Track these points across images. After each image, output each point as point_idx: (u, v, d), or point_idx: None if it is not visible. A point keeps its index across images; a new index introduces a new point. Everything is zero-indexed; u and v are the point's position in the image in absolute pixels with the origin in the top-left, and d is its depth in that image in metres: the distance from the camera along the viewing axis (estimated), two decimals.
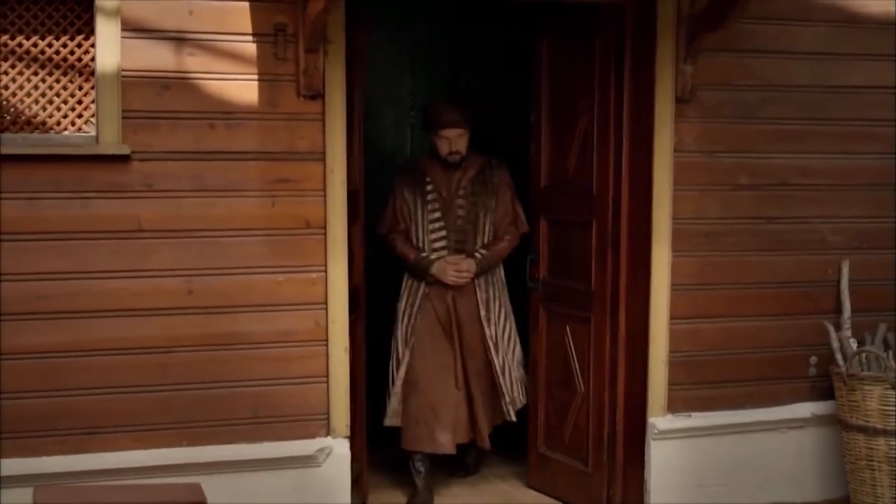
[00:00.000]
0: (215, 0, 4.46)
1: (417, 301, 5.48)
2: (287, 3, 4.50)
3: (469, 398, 5.47)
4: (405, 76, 6.58)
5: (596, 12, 5.17)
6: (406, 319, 5.50)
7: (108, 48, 4.36)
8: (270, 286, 4.59)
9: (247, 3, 4.47)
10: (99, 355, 4.43)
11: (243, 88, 4.52)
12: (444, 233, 5.47)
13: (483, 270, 5.48)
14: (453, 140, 5.42)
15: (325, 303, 4.66)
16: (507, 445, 5.85)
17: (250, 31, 4.50)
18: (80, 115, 4.46)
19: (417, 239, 5.48)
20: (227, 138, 4.51)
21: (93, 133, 4.42)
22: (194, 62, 4.45)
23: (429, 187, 5.48)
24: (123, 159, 4.40)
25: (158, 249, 4.47)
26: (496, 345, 5.50)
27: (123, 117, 4.39)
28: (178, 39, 4.44)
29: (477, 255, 5.47)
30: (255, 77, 4.52)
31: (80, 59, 4.44)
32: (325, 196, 4.62)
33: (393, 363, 5.51)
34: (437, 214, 5.46)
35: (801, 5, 5.17)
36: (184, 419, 4.54)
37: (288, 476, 4.64)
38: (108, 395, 4.46)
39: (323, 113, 4.59)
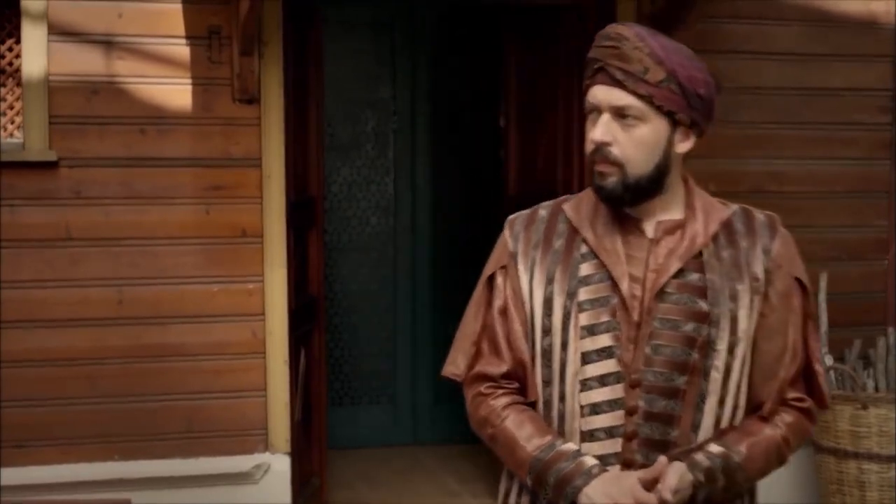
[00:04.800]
0: (146, 2, 4.34)
1: None
2: (221, 5, 4.37)
3: None
4: (386, 79, 6.40)
5: (558, 12, 4.97)
6: None
7: (35, 52, 4.26)
8: (204, 296, 4.45)
9: (179, 6, 4.35)
10: (26, 366, 4.32)
11: (176, 93, 4.39)
12: (618, 385, 2.04)
13: (711, 498, 2.03)
14: (607, 119, 2.02)
15: (263, 313, 4.50)
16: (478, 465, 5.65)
17: (183, 33, 4.37)
18: (11, 121, 4.37)
19: (548, 399, 2.09)
20: (158, 144, 4.38)
21: (20, 139, 4.32)
22: (124, 66, 4.33)
23: (585, 265, 2.08)
24: (51, 165, 4.29)
25: (88, 258, 4.36)
26: None
27: (51, 123, 4.29)
28: (108, 43, 4.32)
29: (702, 458, 2.01)
30: (189, 81, 4.39)
31: (10, 64, 4.35)
32: (261, 203, 4.47)
33: None
34: (607, 340, 2.04)
35: (774, 4, 4.91)
36: (114, 433, 4.41)
37: (223, 493, 4.48)
38: (36, 408, 4.35)
39: (259, 117, 4.45)
